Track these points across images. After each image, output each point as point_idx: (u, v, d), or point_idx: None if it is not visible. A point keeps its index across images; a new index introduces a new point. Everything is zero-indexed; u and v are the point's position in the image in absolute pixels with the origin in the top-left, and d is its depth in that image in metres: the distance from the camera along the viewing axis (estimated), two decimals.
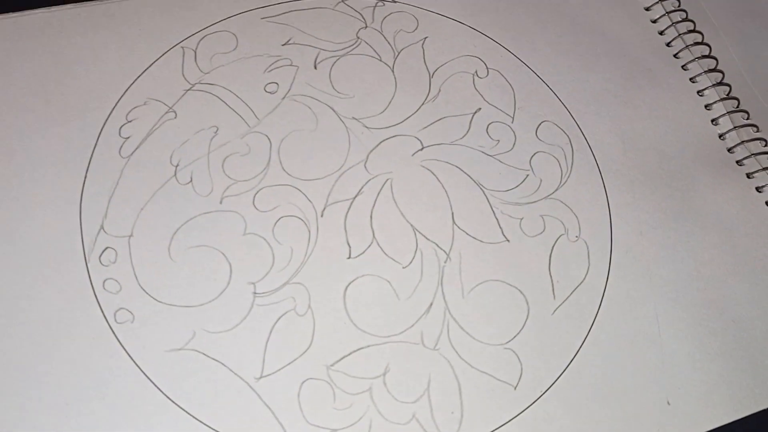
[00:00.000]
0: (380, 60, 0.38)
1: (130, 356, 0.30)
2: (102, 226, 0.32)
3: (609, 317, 0.33)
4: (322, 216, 0.33)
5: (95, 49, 0.36)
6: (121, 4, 0.37)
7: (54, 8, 0.37)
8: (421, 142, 0.36)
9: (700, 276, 0.35)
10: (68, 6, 0.37)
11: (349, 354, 0.31)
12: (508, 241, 0.34)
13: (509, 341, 0.32)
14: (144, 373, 0.29)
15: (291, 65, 0.37)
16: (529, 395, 0.31)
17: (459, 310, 0.32)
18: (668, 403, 0.31)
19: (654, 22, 0.42)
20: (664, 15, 0.42)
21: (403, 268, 0.33)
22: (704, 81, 0.40)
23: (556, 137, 0.37)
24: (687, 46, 0.41)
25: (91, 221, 0.32)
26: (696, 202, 0.37)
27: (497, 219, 0.35)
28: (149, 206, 0.33)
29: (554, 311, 0.33)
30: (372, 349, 0.31)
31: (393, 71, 0.38)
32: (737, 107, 0.39)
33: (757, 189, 0.37)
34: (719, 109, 0.39)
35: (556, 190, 0.36)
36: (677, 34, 0.41)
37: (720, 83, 0.40)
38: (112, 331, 0.30)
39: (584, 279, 0.34)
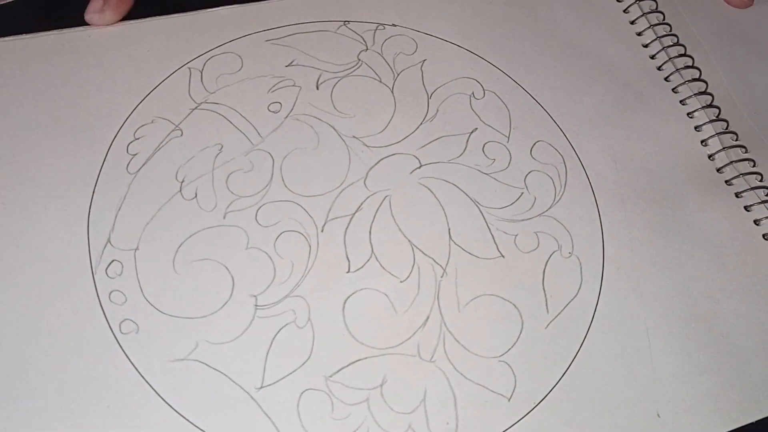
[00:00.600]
0: (380, 81, 0.39)
1: (134, 366, 0.30)
2: (109, 240, 0.33)
3: (601, 331, 0.34)
4: (322, 231, 0.35)
5: (105, 70, 0.37)
6: (131, 27, 0.38)
7: (66, 30, 0.38)
8: (419, 161, 0.37)
9: (689, 292, 0.35)
10: (80, 28, 0.38)
11: (348, 365, 0.32)
12: (503, 256, 0.35)
13: (503, 354, 0.33)
14: (147, 383, 0.30)
15: (294, 86, 0.38)
16: (522, 407, 0.32)
17: (455, 324, 0.33)
18: (658, 415, 0.32)
19: (645, 46, 0.44)
20: (655, 39, 0.43)
21: (401, 282, 0.34)
22: (694, 103, 0.41)
23: (550, 157, 0.39)
24: (677, 69, 0.42)
25: (99, 235, 0.33)
26: (686, 220, 0.38)
27: (492, 235, 0.36)
28: (155, 221, 0.34)
29: (547, 325, 0.34)
30: (370, 361, 0.32)
31: (393, 92, 0.39)
32: (726, 129, 0.41)
33: (746, 208, 0.38)
34: (708, 130, 0.41)
35: (550, 207, 0.37)
36: (668, 58, 0.43)
37: (709, 105, 0.41)
38: (117, 342, 0.31)
39: (577, 294, 0.35)
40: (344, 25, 0.41)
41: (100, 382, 0.30)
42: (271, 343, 0.32)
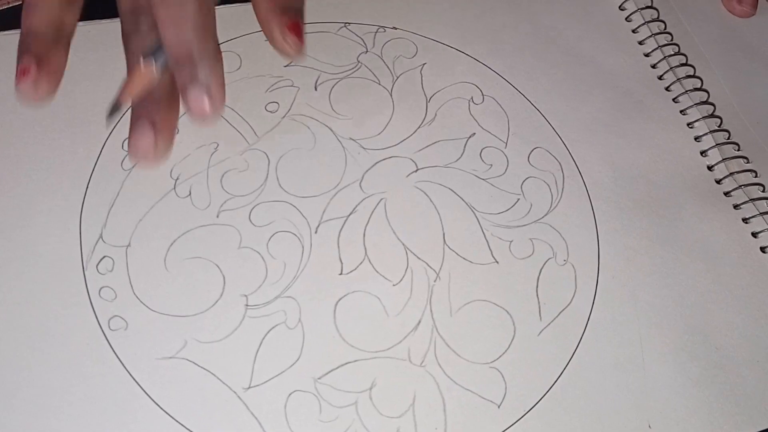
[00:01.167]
0: (379, 83, 0.39)
1: (121, 363, 0.30)
2: (101, 236, 0.33)
3: (594, 340, 0.34)
4: (316, 232, 0.34)
5: (103, 65, 0.37)
6: None
7: None
8: (415, 164, 0.37)
9: (684, 303, 0.35)
10: (80, 23, 0.38)
11: (337, 368, 0.31)
12: (497, 262, 0.35)
13: (495, 360, 0.32)
14: (134, 380, 0.30)
15: (292, 86, 0.38)
16: (512, 414, 0.31)
17: (446, 329, 0.33)
18: (649, 426, 0.32)
19: (647, 55, 0.43)
20: (656, 48, 0.43)
21: (394, 285, 0.34)
22: (694, 113, 0.41)
23: (547, 163, 0.38)
24: (678, 79, 0.42)
25: (91, 230, 0.33)
26: (683, 231, 0.37)
27: (487, 241, 0.35)
28: (148, 218, 0.34)
29: (540, 332, 0.33)
30: (359, 364, 0.32)
31: (391, 95, 0.39)
32: (728, 139, 0.40)
33: (744, 220, 0.38)
34: (709, 141, 0.40)
35: (546, 214, 0.37)
36: (669, 68, 0.43)
37: (710, 116, 0.41)
38: (106, 338, 0.31)
39: (571, 302, 0.34)
40: (345, 26, 0.41)
41: (87, 379, 0.30)
42: (261, 343, 0.31)
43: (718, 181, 0.39)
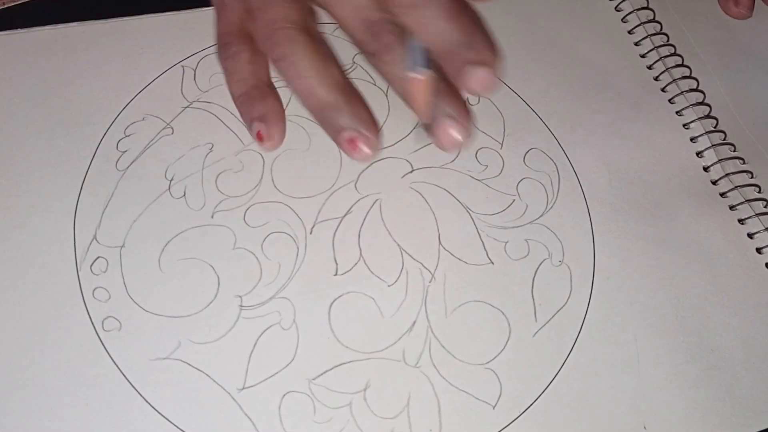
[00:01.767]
0: (374, 84, 0.39)
1: (115, 363, 0.30)
2: (95, 236, 0.33)
3: (589, 341, 0.33)
4: (311, 233, 0.34)
5: (98, 66, 0.37)
6: (125, 23, 0.38)
7: (60, 25, 0.38)
8: (411, 165, 0.37)
9: (680, 304, 0.35)
10: (74, 24, 0.38)
11: (331, 369, 0.31)
12: (492, 263, 0.35)
13: (490, 361, 0.32)
14: (128, 381, 0.30)
15: (287, 86, 0.38)
16: (507, 415, 0.31)
17: (441, 329, 0.33)
18: (645, 428, 0.32)
19: (643, 56, 0.43)
20: (652, 49, 0.43)
21: (389, 286, 0.34)
22: (690, 114, 0.41)
23: (543, 164, 0.38)
24: (674, 80, 0.42)
25: (85, 231, 0.33)
26: (678, 232, 0.37)
27: (483, 241, 0.35)
28: (142, 218, 0.33)
29: (535, 333, 0.33)
30: (354, 365, 0.31)
31: (386, 95, 0.39)
32: (724, 140, 0.40)
33: (740, 221, 0.38)
34: (704, 142, 0.40)
35: (542, 215, 0.37)
36: (665, 68, 0.42)
37: (706, 116, 0.41)
38: (99, 339, 0.31)
39: (566, 303, 0.34)
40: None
41: (81, 379, 0.30)
42: (255, 344, 0.31)
43: (714, 182, 0.39)
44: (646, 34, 0.44)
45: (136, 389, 0.30)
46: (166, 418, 0.29)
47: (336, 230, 0.34)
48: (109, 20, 0.38)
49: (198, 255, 0.33)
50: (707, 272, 0.36)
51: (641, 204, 0.38)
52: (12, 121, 0.35)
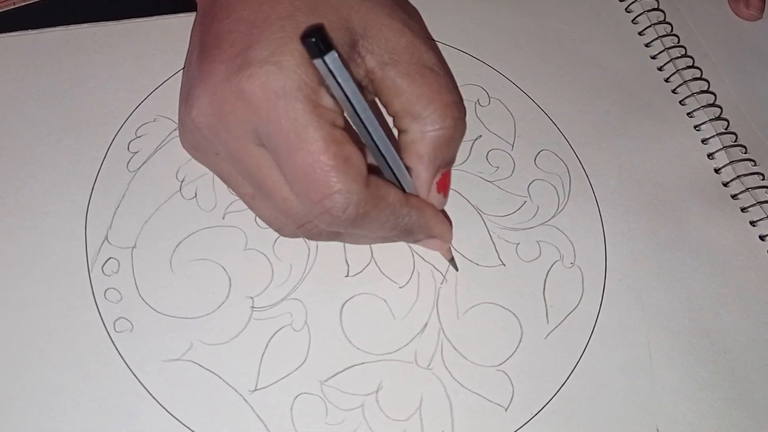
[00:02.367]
0: None
1: (127, 365, 0.30)
2: (106, 237, 0.33)
3: (601, 343, 0.33)
4: None
5: (109, 67, 0.37)
6: (137, 25, 0.38)
7: (71, 27, 0.38)
8: None
9: (692, 306, 0.35)
10: (85, 25, 0.38)
11: (343, 370, 0.31)
12: (504, 265, 0.35)
13: (502, 363, 0.32)
14: (140, 382, 0.30)
15: None
16: (519, 417, 0.31)
17: (453, 331, 0.33)
18: (657, 430, 0.31)
19: (653, 57, 0.43)
20: (663, 51, 0.43)
21: (400, 288, 0.33)
22: (701, 116, 0.41)
23: (554, 166, 0.38)
24: (685, 81, 0.42)
25: (96, 232, 0.33)
26: (690, 234, 0.37)
27: (494, 243, 0.35)
28: (153, 219, 0.33)
29: (547, 335, 0.33)
30: (366, 367, 0.31)
31: None
32: (735, 142, 0.40)
33: (751, 223, 0.38)
34: (716, 143, 0.40)
35: (553, 216, 0.37)
36: (675, 70, 0.42)
37: (717, 118, 0.41)
38: (111, 340, 0.31)
39: (578, 305, 0.34)
40: None
41: (93, 380, 0.30)
42: (267, 345, 0.31)
43: (726, 184, 0.39)
44: (656, 36, 0.44)
45: (147, 390, 0.30)
46: (178, 420, 0.29)
47: None
48: (121, 21, 0.38)
49: (209, 256, 0.33)
50: (719, 274, 0.36)
51: (653, 205, 0.38)
52: (23, 122, 0.35)
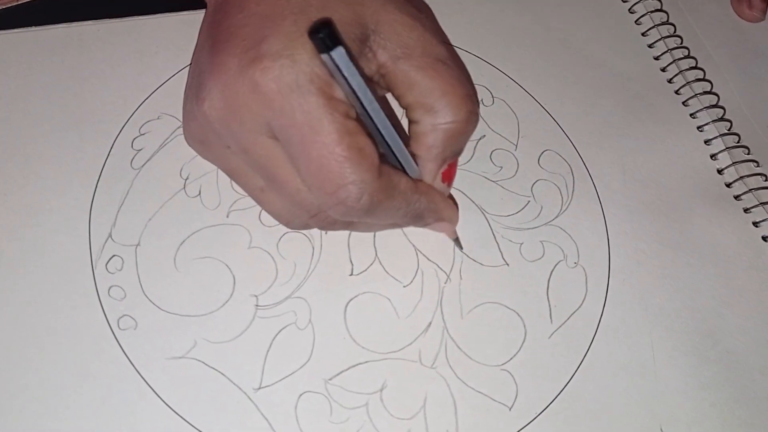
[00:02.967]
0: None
1: (131, 362, 0.30)
2: (110, 235, 0.33)
3: (605, 343, 0.33)
4: (326, 233, 0.34)
5: (113, 64, 0.37)
6: (140, 22, 0.38)
7: (75, 24, 0.38)
8: None
9: (695, 306, 0.35)
10: (89, 22, 0.38)
11: (348, 369, 0.31)
12: (507, 264, 0.35)
13: (506, 363, 0.32)
14: (144, 380, 0.30)
15: None
16: (523, 417, 0.31)
17: (457, 330, 0.33)
18: (661, 429, 0.32)
19: (657, 58, 0.43)
20: (666, 52, 0.43)
21: (404, 286, 0.33)
22: (704, 116, 0.41)
23: (557, 166, 0.38)
24: (688, 82, 0.42)
25: (100, 229, 0.33)
26: (693, 234, 0.37)
27: (498, 243, 0.35)
28: (157, 217, 0.33)
29: (551, 335, 0.33)
30: (370, 365, 0.31)
31: None
32: (738, 143, 0.40)
33: (754, 224, 0.38)
34: (718, 144, 0.40)
35: (557, 217, 0.37)
36: (679, 71, 0.42)
37: (720, 119, 0.41)
38: (115, 337, 0.30)
39: (581, 305, 0.34)
40: None
41: (97, 378, 0.29)
42: (271, 343, 0.31)
43: (728, 185, 0.39)
44: (660, 37, 0.44)
45: (152, 388, 0.30)
46: (182, 417, 0.29)
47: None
48: (125, 19, 0.38)
49: (213, 254, 0.33)
50: (722, 275, 0.36)
51: (656, 206, 0.38)
52: (27, 119, 0.35)
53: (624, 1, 0.46)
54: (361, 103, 0.26)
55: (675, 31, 0.44)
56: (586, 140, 0.39)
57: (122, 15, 0.38)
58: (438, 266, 0.34)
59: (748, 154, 0.40)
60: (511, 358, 0.32)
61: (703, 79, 0.42)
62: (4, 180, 0.33)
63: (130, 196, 0.34)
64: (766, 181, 0.39)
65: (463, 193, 0.36)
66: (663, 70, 0.43)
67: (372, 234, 0.34)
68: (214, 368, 0.30)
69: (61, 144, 0.34)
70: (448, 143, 0.29)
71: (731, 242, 0.37)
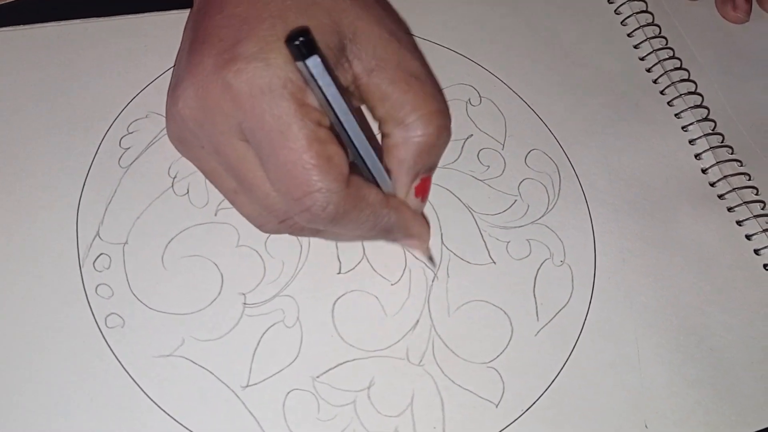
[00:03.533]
0: None
1: (118, 360, 0.30)
2: (98, 233, 0.33)
3: (590, 341, 0.34)
4: None
5: (101, 62, 0.37)
6: (129, 20, 0.38)
7: (63, 22, 0.38)
8: None
9: (679, 304, 0.35)
10: (78, 21, 0.38)
11: (335, 367, 0.31)
12: (494, 263, 0.35)
13: (492, 360, 0.32)
14: (131, 378, 0.30)
15: None
16: (510, 413, 0.31)
17: (444, 328, 0.33)
18: (646, 426, 0.32)
19: (642, 59, 0.44)
20: (651, 52, 0.44)
21: (392, 285, 0.34)
22: (689, 116, 0.42)
23: (544, 165, 0.39)
24: (673, 83, 0.42)
25: (88, 227, 0.33)
26: (678, 233, 0.38)
27: (485, 241, 0.36)
28: (145, 215, 0.33)
29: (537, 333, 0.33)
30: (357, 363, 0.31)
31: None
32: (722, 143, 0.41)
33: (738, 223, 0.39)
34: (703, 144, 0.41)
35: (543, 215, 0.37)
36: (663, 71, 0.43)
37: (705, 119, 0.41)
38: (102, 335, 0.30)
39: (567, 303, 0.35)
40: None
41: (84, 376, 0.29)
42: (259, 341, 0.31)
43: (712, 184, 0.40)
44: (645, 37, 0.44)
45: (139, 386, 0.30)
46: (170, 416, 0.29)
47: None
48: (113, 18, 0.38)
49: (201, 252, 0.33)
50: (706, 273, 0.37)
51: (641, 205, 0.38)
52: (15, 117, 0.35)
53: (610, 2, 0.46)
54: (335, 113, 0.26)
55: (660, 32, 0.44)
56: (573, 140, 0.40)
57: (111, 14, 0.38)
58: (426, 264, 0.34)
59: (732, 153, 0.41)
60: (498, 356, 0.33)
61: (688, 80, 0.43)
62: None
63: (118, 195, 0.34)
64: (749, 180, 0.40)
65: (451, 192, 0.37)
66: (648, 70, 0.43)
67: None
68: (201, 366, 0.30)
69: (49, 142, 0.34)
70: (420, 157, 0.29)
71: (715, 241, 0.38)
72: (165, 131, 0.35)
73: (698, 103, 0.42)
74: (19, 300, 0.31)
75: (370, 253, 0.34)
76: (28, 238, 0.32)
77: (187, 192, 0.34)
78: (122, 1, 0.39)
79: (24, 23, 0.37)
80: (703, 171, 0.40)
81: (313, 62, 0.24)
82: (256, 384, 0.30)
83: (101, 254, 0.32)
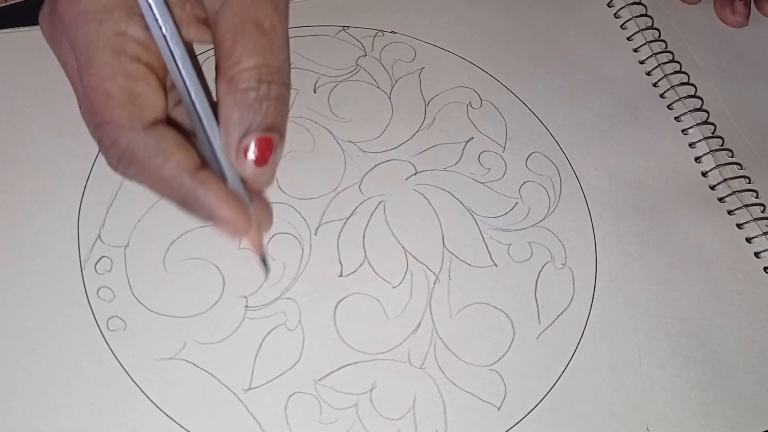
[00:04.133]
0: (378, 87, 0.39)
1: (120, 363, 0.30)
2: (99, 236, 0.33)
3: (592, 343, 0.34)
4: (315, 234, 0.34)
5: None
6: None
7: None
8: (414, 167, 0.37)
9: (680, 307, 0.35)
10: None
11: (337, 369, 0.31)
12: (496, 265, 0.35)
13: (494, 363, 0.32)
14: (133, 380, 0.30)
15: (291, 88, 0.38)
16: (512, 416, 0.31)
17: (446, 331, 0.33)
18: (647, 429, 0.32)
19: (642, 62, 0.44)
20: (651, 56, 0.44)
21: (393, 287, 0.34)
22: (689, 120, 0.42)
23: (545, 168, 0.39)
24: (672, 86, 0.43)
25: (89, 230, 0.33)
26: (678, 236, 0.38)
27: (486, 244, 0.36)
28: (146, 218, 0.33)
29: (539, 335, 0.34)
30: (359, 366, 0.31)
31: (390, 98, 0.39)
32: (721, 146, 0.41)
33: (738, 225, 0.39)
34: (703, 147, 0.41)
35: (544, 218, 0.37)
36: (663, 75, 0.43)
37: (704, 122, 0.41)
38: (104, 338, 0.30)
39: (569, 305, 0.35)
40: (343, 30, 0.41)
41: (86, 379, 0.29)
42: (261, 345, 0.31)
43: (713, 187, 0.40)
44: (644, 41, 0.44)
45: (141, 389, 0.30)
46: (172, 419, 0.29)
47: (341, 231, 0.35)
48: None
49: (203, 255, 0.33)
50: (706, 276, 0.37)
51: (641, 208, 0.38)
52: (16, 119, 0.35)
53: (610, 6, 0.46)
54: (170, 50, 0.24)
55: (659, 36, 0.44)
56: (573, 143, 0.40)
57: None
58: (427, 267, 0.34)
59: (732, 156, 0.41)
60: (500, 359, 0.33)
61: (687, 83, 0.43)
62: None
63: (120, 197, 0.34)
64: (749, 183, 0.40)
65: (452, 194, 0.37)
66: (648, 73, 0.43)
67: (361, 235, 0.35)
68: (203, 369, 0.30)
69: (50, 144, 0.34)
70: (247, 112, 0.24)
71: (715, 243, 0.38)
72: None
73: (698, 107, 0.42)
74: (21, 303, 0.31)
75: (371, 256, 0.34)
76: (29, 240, 0.32)
77: None
78: None
79: (24, 25, 0.37)
80: (703, 174, 0.40)
81: None
82: (257, 387, 0.30)
83: (102, 257, 0.32)
